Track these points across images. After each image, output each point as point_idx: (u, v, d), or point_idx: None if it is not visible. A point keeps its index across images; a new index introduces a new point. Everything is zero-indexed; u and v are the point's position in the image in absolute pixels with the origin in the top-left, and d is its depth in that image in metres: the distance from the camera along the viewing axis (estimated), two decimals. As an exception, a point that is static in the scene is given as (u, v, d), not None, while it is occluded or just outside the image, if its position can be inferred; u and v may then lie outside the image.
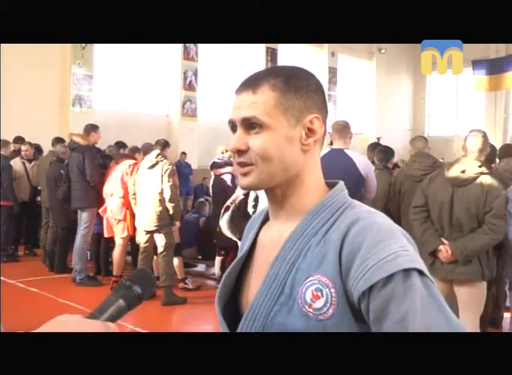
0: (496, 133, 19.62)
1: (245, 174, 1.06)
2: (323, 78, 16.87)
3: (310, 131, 1.06)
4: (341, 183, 1.12)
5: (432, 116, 23.32)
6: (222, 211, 6.06)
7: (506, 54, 18.73)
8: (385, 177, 5.30)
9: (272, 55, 16.17)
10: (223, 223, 5.85)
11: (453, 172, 3.75)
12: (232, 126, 1.08)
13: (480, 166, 3.73)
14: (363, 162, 4.29)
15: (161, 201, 5.74)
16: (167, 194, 5.72)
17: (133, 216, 6.27)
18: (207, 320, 5.52)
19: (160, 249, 5.90)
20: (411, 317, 0.92)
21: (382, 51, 19.92)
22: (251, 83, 1.06)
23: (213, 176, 6.62)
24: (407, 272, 0.94)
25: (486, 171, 3.74)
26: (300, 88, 1.06)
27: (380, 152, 5.97)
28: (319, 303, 0.98)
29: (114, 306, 0.92)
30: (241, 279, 1.16)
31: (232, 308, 1.15)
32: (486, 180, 3.68)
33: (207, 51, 14.42)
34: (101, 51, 12.39)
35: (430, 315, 0.93)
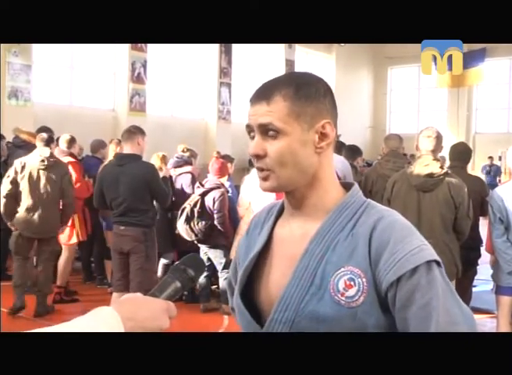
0: (459, 132, 20.47)
1: (264, 179, 1.25)
2: (280, 71, 17.16)
3: (322, 135, 1.25)
4: (356, 183, 1.33)
5: (394, 113, 23.81)
6: (179, 213, 6.25)
7: (468, 50, 19.39)
8: (353, 176, 5.64)
9: (225, 45, 16.39)
10: (179, 225, 6.03)
11: (419, 176, 4.00)
12: (249, 131, 1.27)
13: (441, 167, 4.02)
14: (340, 162, 4.58)
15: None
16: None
17: (83, 220, 6.52)
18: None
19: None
20: (435, 303, 1.15)
21: (342, 44, 20.45)
22: (265, 95, 1.24)
23: (173, 176, 6.64)
24: (429, 263, 1.18)
25: (449, 171, 4.05)
26: (309, 96, 1.24)
27: (346, 151, 6.38)
28: (352, 292, 1.18)
29: (171, 287, 1.11)
30: (255, 271, 1.33)
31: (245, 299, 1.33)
32: (451, 181, 3.99)
33: (156, 40, 14.44)
34: (40, 39, 12.22)
35: (447, 301, 1.17)
